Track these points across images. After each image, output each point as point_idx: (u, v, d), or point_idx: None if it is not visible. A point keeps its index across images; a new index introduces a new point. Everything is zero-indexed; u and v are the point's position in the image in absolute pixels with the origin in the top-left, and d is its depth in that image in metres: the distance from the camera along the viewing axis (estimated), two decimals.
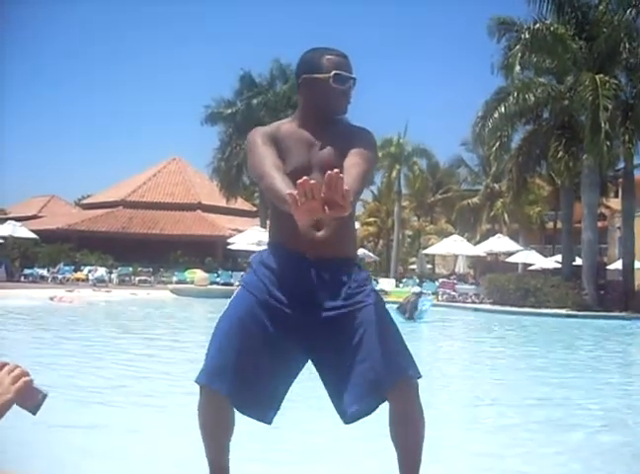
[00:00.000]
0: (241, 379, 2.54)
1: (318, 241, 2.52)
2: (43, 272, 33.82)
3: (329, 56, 2.65)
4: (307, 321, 2.57)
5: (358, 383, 2.53)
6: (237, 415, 2.67)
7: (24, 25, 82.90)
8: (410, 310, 17.00)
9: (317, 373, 2.71)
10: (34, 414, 1.98)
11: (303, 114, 2.72)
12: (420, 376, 2.56)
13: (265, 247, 2.81)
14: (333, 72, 2.62)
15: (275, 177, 2.41)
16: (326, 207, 2.02)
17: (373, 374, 2.49)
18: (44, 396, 1.97)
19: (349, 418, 2.61)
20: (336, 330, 2.56)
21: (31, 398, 1.96)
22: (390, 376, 2.47)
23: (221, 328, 2.62)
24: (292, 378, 2.72)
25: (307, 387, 3.22)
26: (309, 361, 2.71)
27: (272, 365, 2.60)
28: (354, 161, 2.53)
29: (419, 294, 18.03)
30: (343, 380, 2.58)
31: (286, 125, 2.71)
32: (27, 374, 1.95)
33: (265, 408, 2.65)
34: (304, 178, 2.00)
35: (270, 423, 2.69)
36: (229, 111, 36.81)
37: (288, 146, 2.63)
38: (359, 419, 2.61)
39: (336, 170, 2.00)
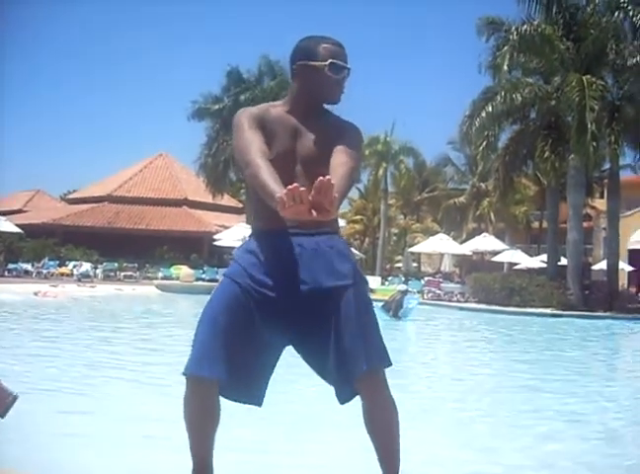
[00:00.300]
0: (229, 365, 2.53)
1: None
2: (28, 266, 33.67)
3: (326, 45, 2.65)
4: (294, 300, 2.57)
5: (335, 372, 2.56)
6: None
7: (24, 25, 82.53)
8: (395, 308, 17.01)
9: (300, 355, 2.71)
10: (2, 416, 1.94)
11: (295, 100, 2.71)
12: (389, 364, 2.59)
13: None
14: (329, 60, 2.62)
15: (261, 166, 2.41)
16: (313, 211, 2.09)
17: (346, 363, 2.51)
18: (14, 398, 1.94)
19: (342, 401, 2.65)
20: (320, 308, 2.56)
21: None
22: (359, 365, 2.49)
23: (205, 317, 2.62)
24: (276, 359, 2.74)
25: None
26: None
27: (258, 349, 2.61)
28: (341, 160, 2.53)
29: (404, 292, 18.04)
30: (325, 366, 2.60)
31: (276, 109, 2.71)
32: None
33: (253, 390, 2.67)
34: (295, 185, 2.08)
35: (260, 404, 2.71)
36: (216, 106, 36.66)
37: (275, 130, 2.63)
38: (348, 402, 2.65)
39: (328, 177, 2.09)
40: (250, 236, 2.76)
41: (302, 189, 2.06)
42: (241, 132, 2.60)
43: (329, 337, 2.54)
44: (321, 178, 2.07)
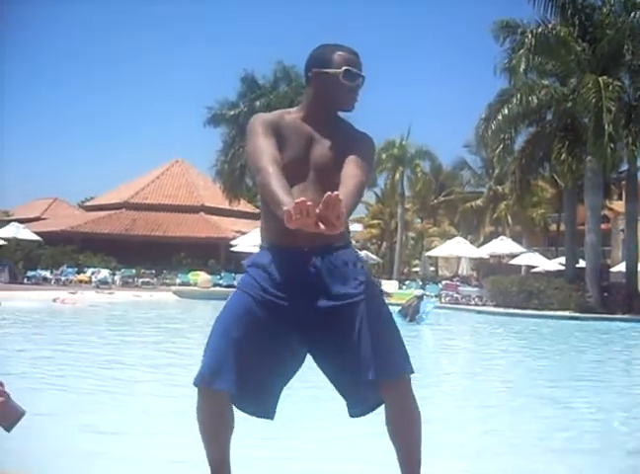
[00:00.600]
0: (239, 377, 2.53)
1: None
2: (47, 274, 33.80)
3: (340, 52, 2.66)
4: (308, 315, 2.56)
5: (357, 382, 2.55)
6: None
7: (24, 25, 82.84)
8: (412, 313, 16.98)
9: (318, 367, 2.71)
10: (7, 431, 1.99)
11: (309, 107, 2.71)
12: (412, 372, 2.58)
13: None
14: (343, 68, 2.62)
15: (271, 174, 2.41)
16: (320, 224, 2.11)
17: (369, 373, 2.49)
18: (22, 414, 1.98)
19: (353, 415, 2.69)
20: (335, 323, 2.56)
21: (6, 416, 1.96)
22: (384, 374, 2.49)
23: (217, 329, 2.62)
24: (292, 373, 2.73)
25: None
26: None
27: (271, 361, 2.60)
28: (353, 172, 2.53)
29: (421, 297, 17.99)
30: (344, 377, 2.61)
31: (290, 115, 2.71)
32: (3, 394, 1.95)
33: (265, 404, 2.67)
34: (302, 199, 2.08)
35: (272, 418, 2.70)
36: (232, 112, 36.72)
37: (288, 137, 2.63)
38: (363, 415, 2.70)
39: (336, 193, 2.11)
40: (261, 247, 2.74)
41: (309, 203, 2.07)
42: (254, 139, 2.59)
43: (343, 349, 2.55)
44: (329, 193, 2.09)
